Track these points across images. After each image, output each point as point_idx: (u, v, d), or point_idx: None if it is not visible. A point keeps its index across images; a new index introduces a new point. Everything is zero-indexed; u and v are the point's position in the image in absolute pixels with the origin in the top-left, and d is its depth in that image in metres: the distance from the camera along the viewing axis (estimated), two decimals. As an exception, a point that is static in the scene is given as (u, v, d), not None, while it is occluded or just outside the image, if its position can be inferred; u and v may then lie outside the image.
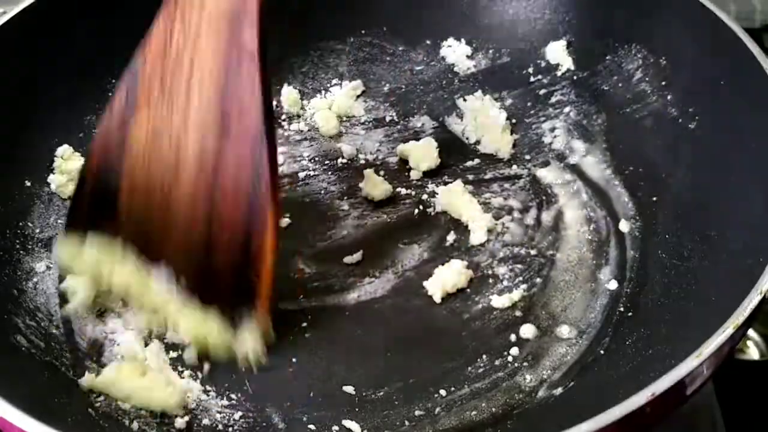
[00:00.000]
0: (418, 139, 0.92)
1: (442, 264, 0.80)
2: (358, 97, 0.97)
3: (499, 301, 0.78)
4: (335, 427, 0.70)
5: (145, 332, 0.76)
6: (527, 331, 0.75)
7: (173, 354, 0.75)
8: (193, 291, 0.71)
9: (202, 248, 0.70)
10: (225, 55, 0.68)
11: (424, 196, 0.87)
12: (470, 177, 0.89)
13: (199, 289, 0.71)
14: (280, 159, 0.92)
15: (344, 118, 0.96)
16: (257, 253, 0.69)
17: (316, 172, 0.91)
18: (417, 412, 0.71)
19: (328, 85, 0.98)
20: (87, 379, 0.71)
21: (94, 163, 0.73)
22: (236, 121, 0.68)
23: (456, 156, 0.91)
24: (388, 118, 0.95)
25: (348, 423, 0.70)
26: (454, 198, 0.85)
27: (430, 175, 0.89)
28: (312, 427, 0.70)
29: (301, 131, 0.95)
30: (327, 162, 0.92)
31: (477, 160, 0.90)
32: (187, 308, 0.71)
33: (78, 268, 0.75)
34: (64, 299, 0.77)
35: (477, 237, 0.83)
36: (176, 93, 0.70)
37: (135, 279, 0.73)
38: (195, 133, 0.70)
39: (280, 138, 0.94)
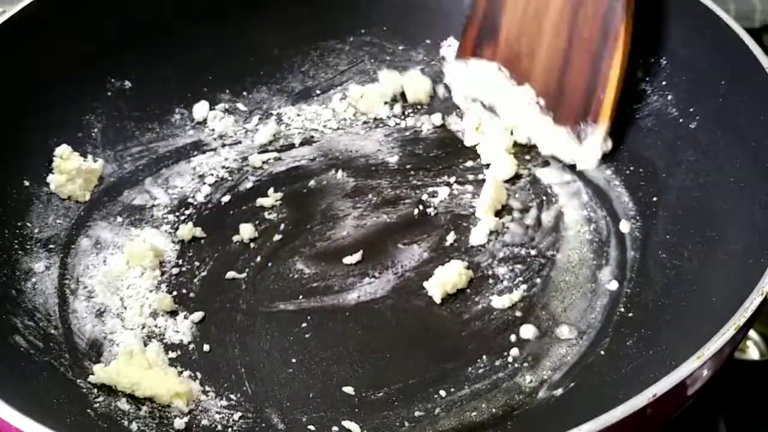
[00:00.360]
0: (418, 140, 0.91)
1: (442, 264, 0.80)
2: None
3: (499, 302, 0.78)
4: (335, 428, 0.70)
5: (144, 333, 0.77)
6: (527, 331, 0.75)
7: (172, 354, 0.75)
8: (550, 110, 0.84)
9: (561, 72, 0.82)
10: None
11: (424, 197, 0.87)
12: (470, 177, 0.89)
13: (555, 109, 0.83)
14: (280, 159, 0.92)
15: (344, 118, 0.96)
16: (606, 72, 0.80)
17: (316, 173, 0.90)
18: (417, 413, 0.71)
19: (328, 84, 0.98)
20: (97, 368, 0.71)
21: None
22: None
23: (456, 156, 0.91)
24: (387, 118, 0.95)
25: (348, 423, 0.70)
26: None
27: (429, 168, 0.89)
28: (311, 427, 0.70)
29: (301, 131, 0.95)
30: (327, 162, 0.91)
31: (477, 161, 0.90)
32: (541, 125, 0.84)
33: (461, 87, 0.90)
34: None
35: (477, 238, 0.83)
36: None
37: (503, 95, 0.86)
38: None
39: (280, 138, 0.94)
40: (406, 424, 0.70)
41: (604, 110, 0.82)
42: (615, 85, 0.81)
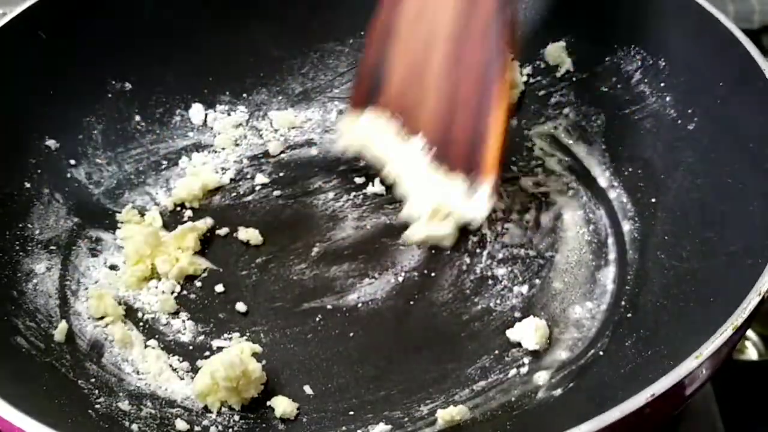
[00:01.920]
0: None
1: (442, 264, 0.80)
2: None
3: (499, 303, 0.78)
4: (335, 428, 0.70)
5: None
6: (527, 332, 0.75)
7: (173, 354, 0.76)
8: (440, 160, 0.81)
9: (447, 124, 0.80)
10: None
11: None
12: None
13: (446, 159, 0.81)
14: (280, 159, 0.92)
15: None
16: (487, 128, 0.78)
17: (317, 174, 0.91)
18: (417, 413, 0.71)
19: (328, 86, 0.98)
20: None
21: (372, 48, 0.85)
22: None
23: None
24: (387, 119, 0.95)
25: (348, 424, 0.70)
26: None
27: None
28: (312, 428, 0.70)
29: (301, 133, 0.95)
30: (327, 162, 0.92)
31: (476, 161, 0.90)
32: (431, 175, 0.81)
33: (352, 138, 0.87)
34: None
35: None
36: None
37: (395, 147, 0.84)
38: (444, 15, 0.79)
39: (278, 140, 0.94)
40: (407, 424, 0.70)
41: (486, 165, 0.78)
42: (495, 142, 0.78)
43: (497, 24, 0.76)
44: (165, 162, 0.92)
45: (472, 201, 0.79)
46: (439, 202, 0.81)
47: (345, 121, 0.88)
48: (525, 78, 0.94)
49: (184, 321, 0.78)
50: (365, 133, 0.86)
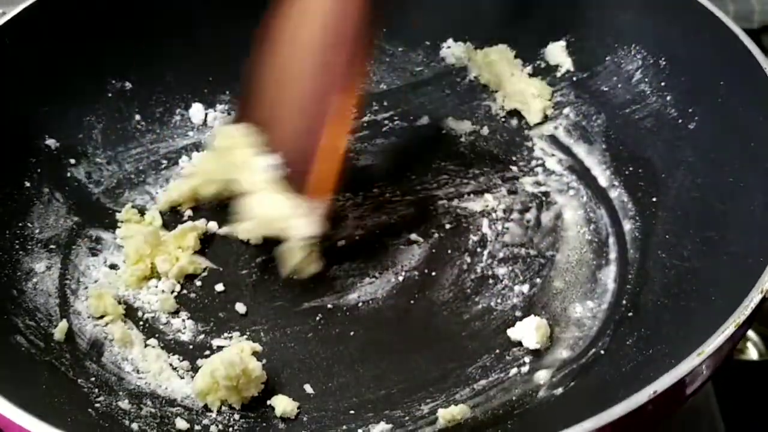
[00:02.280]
0: (415, 141, 0.92)
1: (443, 263, 0.80)
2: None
3: (500, 302, 0.78)
4: (335, 428, 0.70)
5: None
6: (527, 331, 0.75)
7: (173, 353, 0.75)
8: (291, 181, 0.78)
9: (298, 143, 0.78)
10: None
11: (424, 197, 0.87)
12: (469, 177, 0.89)
13: (296, 180, 0.78)
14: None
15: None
16: (317, 148, 0.76)
17: (316, 173, 0.91)
18: (417, 412, 0.71)
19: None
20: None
21: (255, 60, 0.83)
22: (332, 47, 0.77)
23: (453, 156, 0.91)
24: (387, 120, 0.95)
25: (348, 424, 0.70)
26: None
27: (428, 174, 0.89)
28: (312, 427, 0.70)
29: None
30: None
31: (472, 160, 0.90)
32: (277, 193, 0.78)
33: (218, 151, 0.84)
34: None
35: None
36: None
37: (250, 160, 0.80)
38: (311, 30, 0.79)
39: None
40: (407, 423, 0.70)
41: (314, 187, 0.77)
42: (325, 163, 0.77)
43: (351, 48, 0.76)
44: (165, 161, 0.91)
45: (302, 220, 0.77)
46: (274, 215, 0.79)
47: (221, 129, 0.86)
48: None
49: (184, 320, 0.78)
50: (231, 141, 0.82)
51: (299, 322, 0.78)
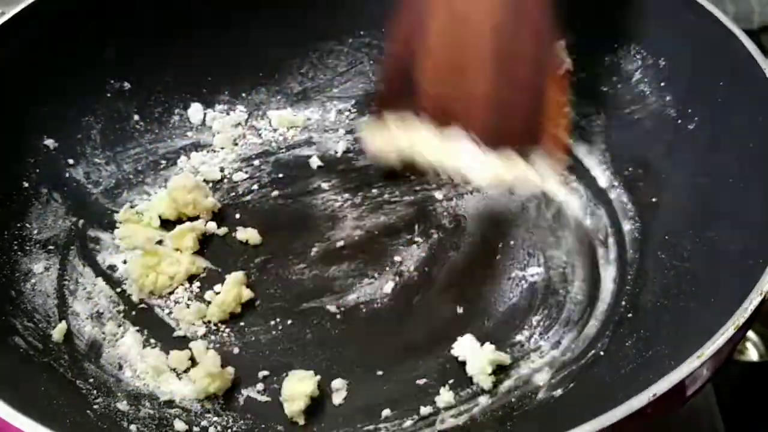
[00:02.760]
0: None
1: (442, 264, 0.80)
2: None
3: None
4: (335, 429, 0.70)
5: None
6: (526, 332, 0.75)
7: (171, 357, 0.75)
8: (490, 141, 0.78)
9: (494, 105, 0.77)
10: None
11: (423, 197, 0.87)
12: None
13: (497, 138, 0.78)
14: (279, 159, 0.92)
15: (342, 120, 0.96)
16: (546, 104, 0.77)
17: (316, 173, 0.90)
18: (417, 414, 0.71)
19: (327, 86, 0.98)
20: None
21: (397, 47, 0.81)
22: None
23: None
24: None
25: (348, 424, 0.70)
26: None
27: (428, 174, 0.89)
28: (312, 428, 0.70)
29: (301, 132, 0.95)
30: (326, 162, 0.91)
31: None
32: (484, 152, 0.78)
33: (380, 142, 0.83)
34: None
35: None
36: None
37: (431, 141, 0.80)
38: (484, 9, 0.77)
39: (279, 139, 0.94)
40: (407, 424, 0.70)
41: (549, 136, 0.79)
42: (556, 116, 0.79)
43: (547, 12, 0.77)
44: (164, 161, 0.91)
45: (536, 168, 0.79)
46: (499, 170, 0.79)
47: (369, 126, 0.85)
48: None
49: (183, 321, 0.78)
50: (397, 134, 0.82)
51: (298, 322, 0.77)
